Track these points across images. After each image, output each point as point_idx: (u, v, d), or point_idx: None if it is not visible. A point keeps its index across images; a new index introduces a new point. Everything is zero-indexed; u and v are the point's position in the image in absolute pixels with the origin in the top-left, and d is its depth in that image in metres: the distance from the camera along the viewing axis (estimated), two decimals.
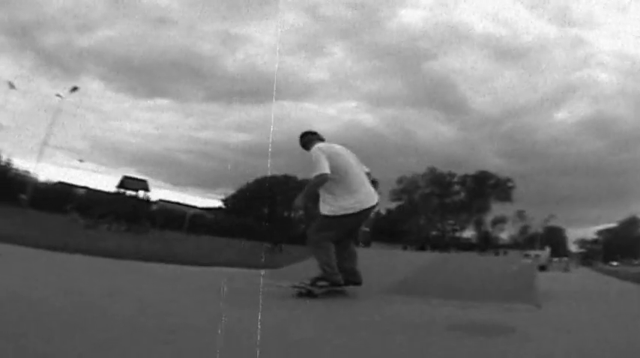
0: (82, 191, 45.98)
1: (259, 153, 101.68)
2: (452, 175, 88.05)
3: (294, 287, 5.38)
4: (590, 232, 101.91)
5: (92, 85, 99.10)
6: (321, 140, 6.03)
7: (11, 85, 44.25)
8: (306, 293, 5.24)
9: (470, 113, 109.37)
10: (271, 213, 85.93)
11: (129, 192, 37.08)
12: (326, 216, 5.67)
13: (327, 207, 5.69)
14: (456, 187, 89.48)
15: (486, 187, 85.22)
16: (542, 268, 28.42)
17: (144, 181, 38.75)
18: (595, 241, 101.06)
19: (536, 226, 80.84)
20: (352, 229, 5.91)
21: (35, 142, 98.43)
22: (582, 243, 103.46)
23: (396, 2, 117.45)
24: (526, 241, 75.36)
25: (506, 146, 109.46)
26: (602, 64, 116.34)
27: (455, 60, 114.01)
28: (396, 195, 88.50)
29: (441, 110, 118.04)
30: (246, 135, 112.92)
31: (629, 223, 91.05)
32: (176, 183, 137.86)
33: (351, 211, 5.58)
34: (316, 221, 5.83)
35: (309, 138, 6.05)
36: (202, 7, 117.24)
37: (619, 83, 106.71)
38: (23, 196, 29.85)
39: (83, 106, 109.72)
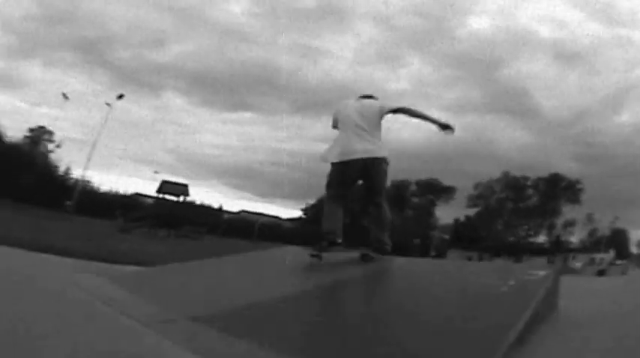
0: (149, 201, 44.33)
1: None
2: (525, 179, 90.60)
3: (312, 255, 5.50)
4: None
5: (173, 100, 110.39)
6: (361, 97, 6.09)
7: (65, 97, 45.17)
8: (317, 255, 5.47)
9: (541, 117, 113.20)
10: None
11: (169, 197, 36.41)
12: None
13: None
14: (530, 191, 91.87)
15: (558, 190, 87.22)
16: (601, 273, 32.19)
17: (184, 186, 38.02)
18: None
19: (603, 229, 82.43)
20: (341, 182, 5.64)
21: (112, 155, 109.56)
22: None
23: (462, 10, 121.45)
24: (593, 244, 77.20)
25: (575, 149, 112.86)
26: None
27: (523, 65, 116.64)
28: (472, 201, 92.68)
29: (514, 115, 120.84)
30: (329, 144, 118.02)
31: None
32: (262, 194, 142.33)
33: (330, 160, 5.58)
34: None
35: None
36: (279, 21, 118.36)
37: None
38: (69, 203, 29.79)
39: (165, 121, 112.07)
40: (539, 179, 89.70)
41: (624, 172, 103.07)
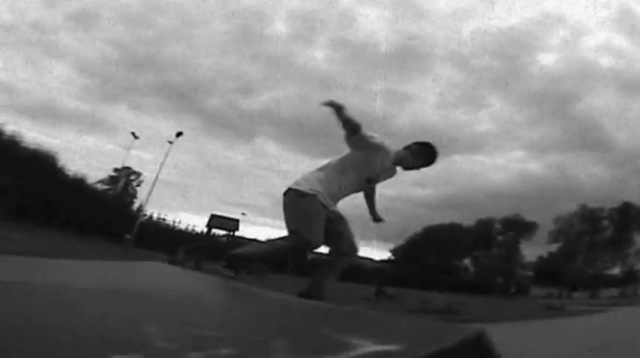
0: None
1: (437, 206, 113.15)
2: (601, 210, 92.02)
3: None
4: None
5: (267, 146, 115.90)
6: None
7: (135, 136, 43.66)
8: None
9: (615, 149, 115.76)
10: (439, 262, 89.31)
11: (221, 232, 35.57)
12: None
13: None
14: (605, 222, 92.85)
15: (629, 219, 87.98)
16: None
17: (235, 220, 36.88)
18: None
19: None
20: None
21: (203, 198, 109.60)
22: None
23: (533, 47, 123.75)
24: None
25: None
26: None
27: (592, 98, 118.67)
28: (552, 236, 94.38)
29: (590, 150, 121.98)
30: (425, 189, 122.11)
31: None
32: (363, 237, 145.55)
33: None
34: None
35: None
36: (360, 67, 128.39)
37: None
38: (128, 236, 28.87)
39: (259, 166, 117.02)
40: (613, 209, 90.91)
41: None
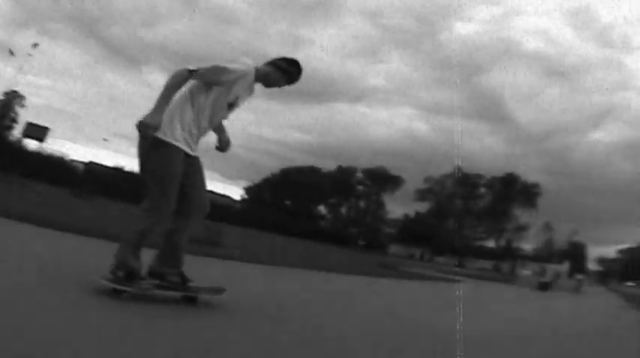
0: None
1: (309, 151, 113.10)
2: (479, 176, 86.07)
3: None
4: (611, 251, 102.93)
5: (152, 76, 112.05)
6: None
7: (11, 52, 43.04)
8: None
9: (515, 127, 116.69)
10: (295, 206, 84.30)
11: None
12: None
13: None
14: (482, 190, 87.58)
15: (513, 191, 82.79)
16: (545, 286, 25.70)
17: (44, 128, 38.67)
18: (615, 260, 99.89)
19: (561, 240, 79.54)
20: None
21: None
22: (602, 261, 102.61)
23: (452, 15, 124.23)
24: (548, 254, 73.11)
25: (544, 162, 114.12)
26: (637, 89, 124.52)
27: (505, 75, 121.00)
28: (420, 194, 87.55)
29: (488, 122, 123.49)
30: (302, 134, 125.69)
31: None
32: (228, 175, 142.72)
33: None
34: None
35: None
36: (269, 9, 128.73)
37: None
38: None
39: (144, 96, 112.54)
40: (494, 178, 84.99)
41: (592, 190, 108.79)
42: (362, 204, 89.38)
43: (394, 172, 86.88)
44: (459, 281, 20.61)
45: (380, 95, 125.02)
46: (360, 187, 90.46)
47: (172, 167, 3.79)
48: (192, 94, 3.88)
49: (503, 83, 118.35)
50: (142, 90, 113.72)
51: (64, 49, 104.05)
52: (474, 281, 24.23)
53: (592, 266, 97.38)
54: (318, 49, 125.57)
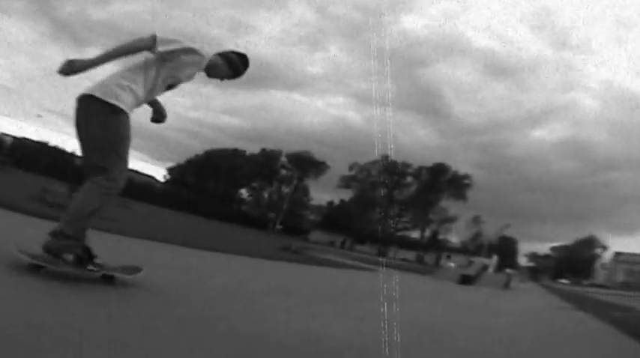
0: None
1: (242, 136, 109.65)
2: (406, 165, 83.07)
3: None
4: (543, 247, 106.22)
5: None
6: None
7: None
8: None
9: (451, 121, 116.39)
10: (216, 188, 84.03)
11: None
12: None
13: None
14: (409, 179, 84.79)
15: (442, 182, 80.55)
16: (467, 280, 23.04)
17: None
18: (547, 256, 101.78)
19: (490, 234, 75.71)
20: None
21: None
22: (533, 257, 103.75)
23: (402, 9, 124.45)
24: (476, 248, 71.22)
25: (479, 156, 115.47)
26: (588, 90, 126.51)
27: (448, 70, 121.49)
28: (344, 181, 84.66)
29: (424, 115, 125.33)
30: (235, 118, 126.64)
31: (585, 243, 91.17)
32: (157, 157, 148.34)
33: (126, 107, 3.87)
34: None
35: None
36: None
37: (600, 110, 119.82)
38: None
39: (83, 76, 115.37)
40: (422, 168, 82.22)
41: (527, 187, 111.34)
42: (284, 188, 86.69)
43: (320, 158, 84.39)
44: (371, 270, 19.40)
45: (317, 84, 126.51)
46: (284, 171, 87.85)
47: (128, 132, 3.71)
48: (146, 66, 3.79)
49: (445, 78, 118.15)
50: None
51: (15, 25, 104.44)
52: (388, 271, 23.42)
53: (523, 262, 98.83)
54: (261, 36, 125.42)
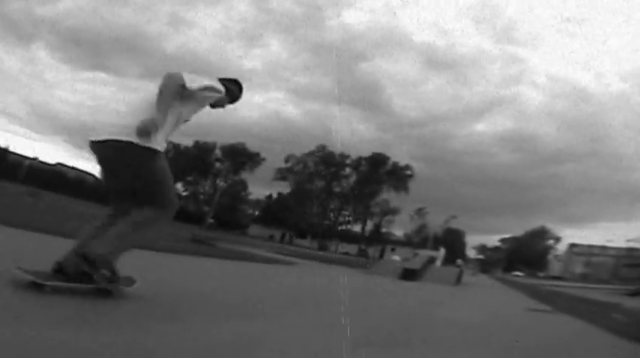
0: None
1: (178, 131, 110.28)
2: (344, 156, 79.65)
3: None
4: (492, 239, 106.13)
5: (39, 53, 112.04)
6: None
7: None
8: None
9: (391, 115, 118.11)
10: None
11: None
12: None
13: None
14: (348, 170, 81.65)
15: (382, 173, 77.52)
16: (410, 275, 19.68)
17: None
18: (496, 248, 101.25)
19: (436, 226, 73.74)
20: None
21: None
22: (482, 249, 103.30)
23: (343, 3, 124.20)
24: (421, 240, 69.03)
25: (420, 149, 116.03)
26: (533, 84, 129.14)
27: (388, 64, 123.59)
28: (280, 173, 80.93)
29: (363, 109, 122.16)
30: None
31: (536, 234, 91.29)
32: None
33: None
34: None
35: None
36: None
37: (546, 104, 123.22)
38: None
39: (26, 73, 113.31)
40: (361, 158, 78.85)
41: (471, 180, 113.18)
42: (220, 182, 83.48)
43: (254, 150, 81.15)
44: (290, 263, 17.87)
45: (255, 79, 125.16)
46: (218, 164, 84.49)
47: (168, 171, 3.77)
48: (175, 107, 3.77)
49: (385, 72, 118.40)
50: (27, 67, 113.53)
51: None
52: (310, 264, 21.33)
53: (472, 254, 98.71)
54: (199, 31, 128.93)
